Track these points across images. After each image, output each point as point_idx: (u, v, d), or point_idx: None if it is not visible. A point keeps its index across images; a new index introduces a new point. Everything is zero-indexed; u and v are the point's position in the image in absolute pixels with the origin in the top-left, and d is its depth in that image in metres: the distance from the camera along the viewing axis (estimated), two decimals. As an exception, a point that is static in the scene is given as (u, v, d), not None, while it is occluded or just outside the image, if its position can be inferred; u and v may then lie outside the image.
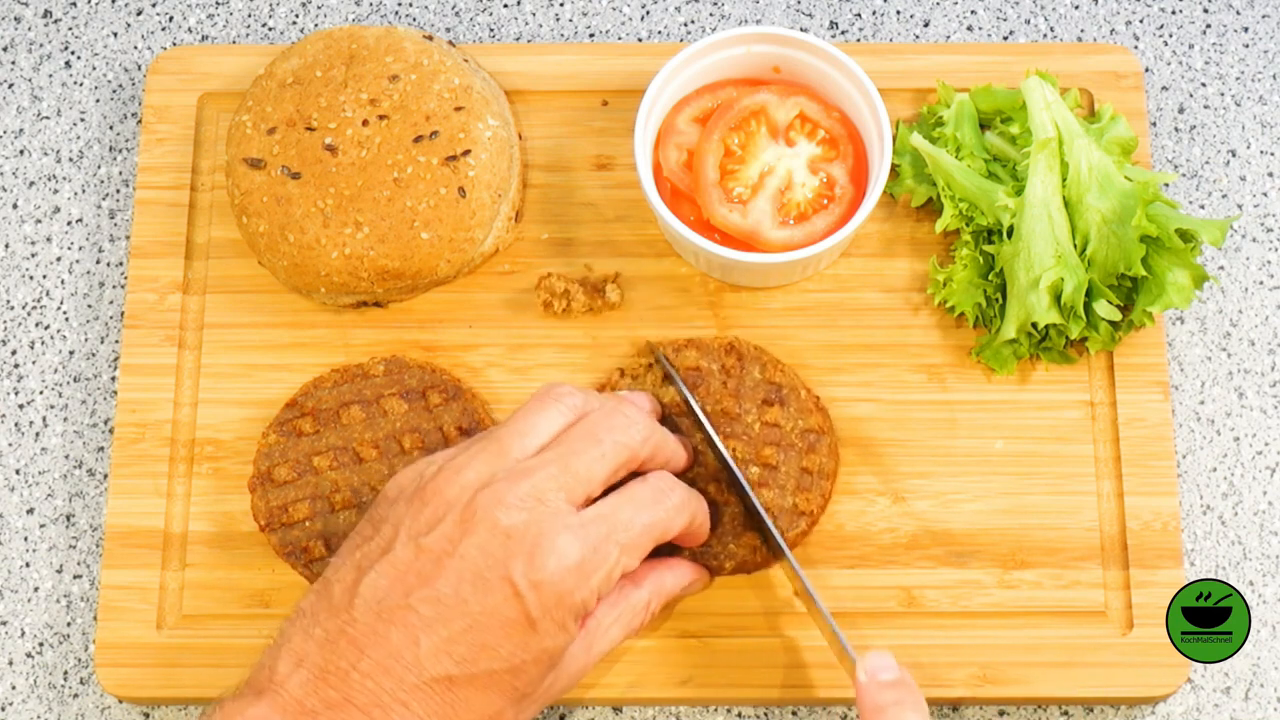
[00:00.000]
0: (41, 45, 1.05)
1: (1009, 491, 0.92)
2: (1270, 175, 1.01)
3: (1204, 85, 1.03)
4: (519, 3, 1.06)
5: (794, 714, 0.91)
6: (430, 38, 0.96)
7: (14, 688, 0.92)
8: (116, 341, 0.98)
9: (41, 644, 0.93)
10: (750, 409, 0.90)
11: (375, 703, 0.72)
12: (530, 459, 0.78)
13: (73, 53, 1.05)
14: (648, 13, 1.05)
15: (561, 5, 1.06)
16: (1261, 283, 0.99)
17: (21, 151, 1.02)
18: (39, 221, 1.01)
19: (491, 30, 1.05)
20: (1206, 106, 1.03)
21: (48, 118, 1.03)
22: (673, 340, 0.93)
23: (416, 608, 0.73)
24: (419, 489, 0.77)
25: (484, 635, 0.74)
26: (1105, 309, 0.91)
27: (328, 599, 0.75)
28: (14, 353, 0.98)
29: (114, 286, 0.99)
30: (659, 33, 1.05)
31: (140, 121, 1.02)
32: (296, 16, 1.05)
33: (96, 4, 1.06)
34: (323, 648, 0.73)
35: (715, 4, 1.06)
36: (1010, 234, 0.91)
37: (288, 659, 0.74)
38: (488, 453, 0.78)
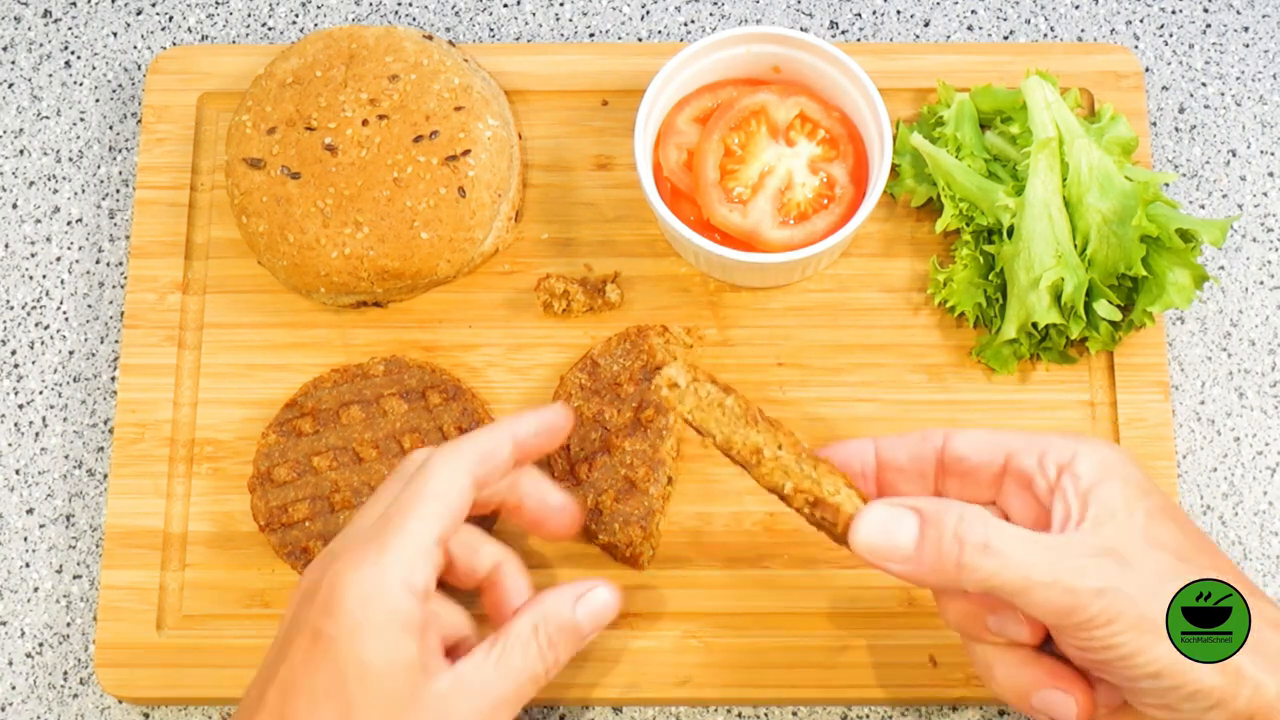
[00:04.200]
0: (41, 45, 1.05)
1: (1009, 491, 0.92)
2: (1270, 175, 1.01)
3: (1204, 85, 1.03)
4: (519, 3, 1.06)
5: (794, 714, 0.91)
6: (430, 37, 0.96)
7: (14, 688, 0.92)
8: (116, 341, 0.98)
9: (41, 644, 0.93)
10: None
11: None
12: None
13: (72, 52, 1.05)
14: (648, 13, 1.05)
15: (561, 5, 1.06)
16: (1261, 283, 0.99)
17: (21, 151, 1.02)
18: (39, 221, 1.01)
19: (491, 30, 1.05)
20: (1207, 106, 1.03)
21: (48, 118, 1.03)
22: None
23: None
24: None
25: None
26: (1105, 309, 0.91)
27: None
28: (14, 353, 0.98)
29: (114, 286, 0.99)
30: (659, 33, 1.05)
31: (140, 121, 1.02)
32: (296, 16, 1.05)
33: (96, 4, 1.06)
34: None
35: (715, 4, 1.05)
36: (1010, 234, 0.91)
37: None
38: None
